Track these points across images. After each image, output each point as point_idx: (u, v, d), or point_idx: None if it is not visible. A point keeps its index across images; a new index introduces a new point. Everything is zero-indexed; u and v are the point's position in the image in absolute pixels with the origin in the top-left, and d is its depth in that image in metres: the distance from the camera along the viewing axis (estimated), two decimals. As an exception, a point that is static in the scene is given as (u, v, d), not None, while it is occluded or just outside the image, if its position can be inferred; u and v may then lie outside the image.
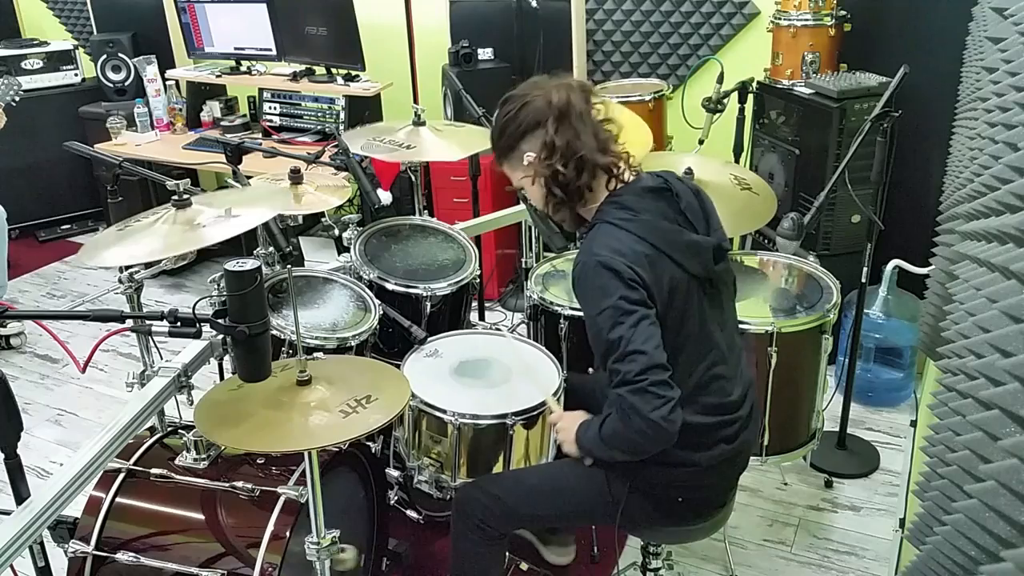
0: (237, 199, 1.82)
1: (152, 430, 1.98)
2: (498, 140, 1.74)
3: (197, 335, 1.50)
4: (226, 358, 1.88)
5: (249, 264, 1.37)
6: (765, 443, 2.28)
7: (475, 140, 2.67)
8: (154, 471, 1.84)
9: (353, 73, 3.98)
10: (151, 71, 4.23)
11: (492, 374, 2.14)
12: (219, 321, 1.41)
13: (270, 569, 1.68)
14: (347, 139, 2.52)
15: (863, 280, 2.63)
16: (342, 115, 3.95)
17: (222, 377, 2.22)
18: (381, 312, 2.28)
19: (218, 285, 1.94)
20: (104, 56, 4.53)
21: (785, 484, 2.75)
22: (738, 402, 1.73)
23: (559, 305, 2.31)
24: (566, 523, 2.34)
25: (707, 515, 1.80)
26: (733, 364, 1.75)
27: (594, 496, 1.76)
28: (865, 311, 2.73)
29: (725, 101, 3.19)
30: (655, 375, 1.52)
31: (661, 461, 1.66)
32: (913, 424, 2.97)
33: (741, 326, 2.13)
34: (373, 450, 2.10)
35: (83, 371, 1.87)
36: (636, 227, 1.61)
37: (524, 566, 2.22)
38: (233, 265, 1.37)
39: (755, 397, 1.83)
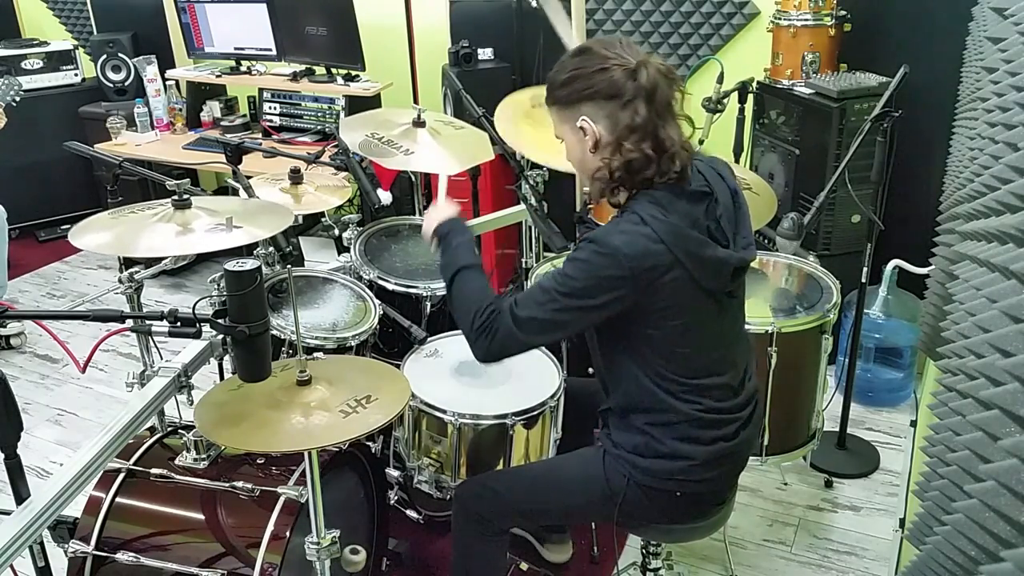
0: (240, 209, 1.81)
1: (152, 430, 1.98)
2: (559, 88, 1.62)
3: (197, 335, 1.50)
4: (226, 358, 1.87)
5: (249, 264, 1.37)
6: (765, 443, 2.28)
7: (473, 148, 2.64)
8: (154, 471, 1.84)
9: (353, 73, 3.98)
10: (151, 71, 4.23)
11: (492, 374, 2.14)
12: (219, 321, 1.41)
13: (270, 569, 1.68)
14: (346, 128, 2.51)
15: (863, 280, 2.63)
16: (342, 115, 3.95)
17: (222, 377, 2.22)
18: (381, 312, 2.28)
19: (218, 285, 1.94)
20: (104, 56, 4.53)
21: (785, 484, 2.75)
22: (740, 405, 1.73)
23: (559, 305, 2.30)
24: (566, 518, 2.33)
25: (706, 513, 1.79)
26: (739, 370, 1.74)
27: (593, 491, 1.75)
28: (865, 311, 2.73)
29: (725, 101, 3.19)
30: (523, 336, 1.58)
31: (659, 454, 1.66)
32: (913, 424, 2.97)
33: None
34: (373, 450, 2.10)
35: (83, 371, 1.87)
36: (661, 227, 1.53)
37: (524, 566, 2.22)
38: (233, 265, 1.37)
39: (760, 401, 1.82)
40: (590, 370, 2.20)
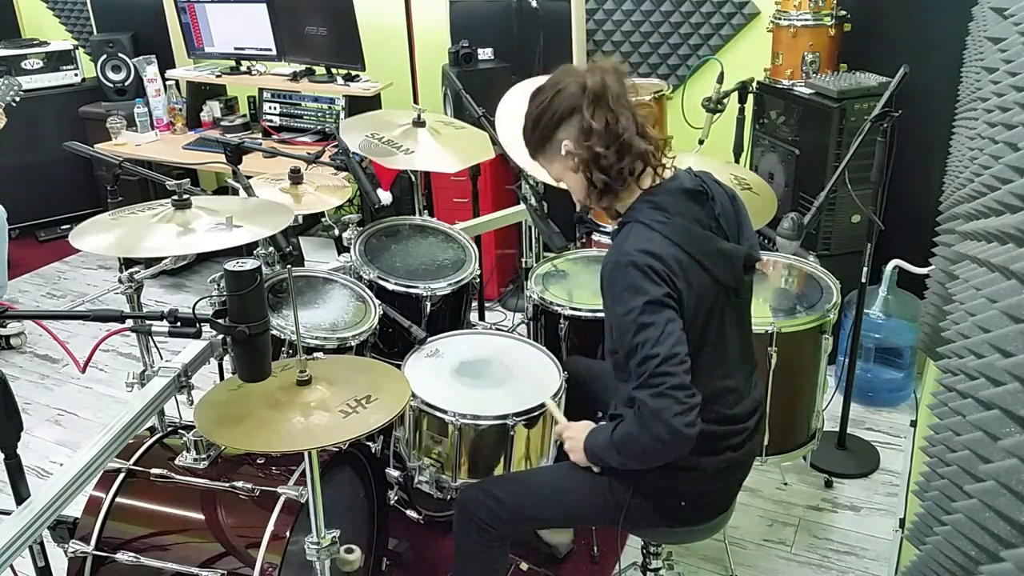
0: (240, 208, 1.81)
1: (152, 430, 1.98)
2: (532, 133, 1.67)
3: (197, 335, 1.50)
4: (226, 358, 1.88)
5: (249, 264, 1.37)
6: (765, 443, 2.28)
7: (473, 147, 2.65)
8: (154, 471, 1.84)
9: (353, 73, 3.98)
10: (151, 71, 4.23)
11: (492, 374, 2.14)
12: (219, 321, 1.41)
13: (270, 569, 1.68)
14: (346, 129, 2.52)
15: (863, 280, 2.63)
16: (342, 115, 3.95)
17: (222, 377, 2.22)
18: (381, 312, 2.28)
19: (218, 285, 1.94)
20: (104, 56, 4.53)
21: (785, 484, 2.75)
22: (748, 413, 1.73)
23: (559, 305, 2.31)
24: (568, 524, 2.34)
25: (709, 519, 1.80)
26: (746, 375, 1.74)
27: (597, 500, 1.75)
28: (865, 311, 2.73)
29: (725, 101, 3.19)
30: (676, 378, 1.48)
31: (667, 465, 1.65)
32: (913, 424, 2.97)
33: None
34: (373, 450, 2.10)
35: (83, 371, 1.87)
36: (669, 230, 1.55)
37: (524, 566, 2.22)
38: (233, 265, 1.37)
39: (764, 408, 1.82)
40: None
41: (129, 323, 1.56)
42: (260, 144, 3.45)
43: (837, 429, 2.84)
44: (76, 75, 4.79)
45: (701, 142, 3.29)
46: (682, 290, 1.54)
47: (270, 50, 4.18)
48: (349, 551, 1.70)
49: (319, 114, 4.06)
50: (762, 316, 2.21)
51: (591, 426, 1.76)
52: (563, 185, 1.73)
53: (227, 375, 2.07)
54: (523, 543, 2.40)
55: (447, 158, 2.59)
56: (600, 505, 1.75)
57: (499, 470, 2.03)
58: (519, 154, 2.45)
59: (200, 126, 4.39)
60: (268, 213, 1.83)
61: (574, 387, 2.09)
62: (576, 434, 1.75)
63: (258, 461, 1.89)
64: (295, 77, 4.09)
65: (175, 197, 1.77)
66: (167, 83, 4.32)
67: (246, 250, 2.32)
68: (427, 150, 2.57)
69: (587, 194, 1.67)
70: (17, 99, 3.50)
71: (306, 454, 1.56)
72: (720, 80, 3.26)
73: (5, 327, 3.61)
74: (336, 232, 2.62)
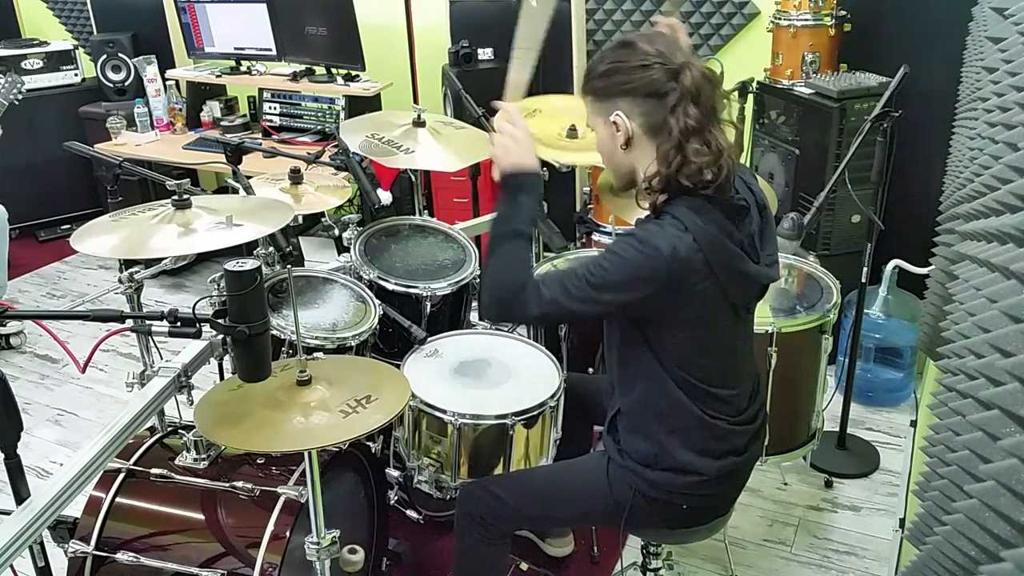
0: (239, 207, 1.81)
1: (152, 430, 1.98)
2: (596, 79, 1.57)
3: (197, 335, 1.50)
4: (226, 358, 1.88)
5: (249, 264, 1.37)
6: (765, 443, 2.28)
7: (474, 147, 2.65)
8: (154, 471, 1.84)
9: (353, 73, 3.98)
10: (151, 71, 4.23)
11: (492, 374, 2.14)
12: (219, 321, 1.41)
13: (270, 569, 1.68)
14: (346, 130, 2.51)
15: (863, 280, 2.63)
16: (342, 115, 3.95)
17: (222, 377, 2.21)
18: (381, 312, 2.28)
19: (218, 285, 1.94)
20: (104, 56, 4.53)
21: (785, 484, 2.75)
22: (750, 419, 1.73)
23: (559, 305, 2.30)
24: (568, 525, 2.34)
25: (708, 520, 1.80)
26: (750, 384, 1.75)
27: (597, 500, 1.76)
28: (865, 311, 2.73)
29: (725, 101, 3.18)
30: (549, 312, 1.54)
31: (669, 467, 1.66)
32: (913, 424, 2.97)
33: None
34: (373, 450, 2.10)
35: (83, 371, 1.87)
36: (701, 235, 1.49)
37: (524, 566, 2.22)
38: (233, 265, 1.37)
39: (766, 412, 1.82)
40: (590, 370, 2.20)
41: (129, 323, 1.56)
42: (260, 144, 3.45)
43: (837, 429, 2.84)
44: (76, 75, 4.79)
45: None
46: (684, 292, 1.50)
47: (270, 50, 4.18)
48: (352, 551, 1.70)
49: (319, 114, 4.06)
50: (762, 316, 2.21)
51: (531, 155, 1.64)
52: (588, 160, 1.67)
53: (227, 375, 2.06)
54: (523, 543, 2.40)
55: (447, 157, 2.59)
56: (600, 505, 1.75)
57: (499, 470, 2.03)
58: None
59: (200, 126, 4.39)
60: (268, 211, 1.83)
61: (570, 403, 2.08)
62: (517, 143, 1.63)
63: (258, 461, 1.89)
64: (295, 77, 4.09)
65: (175, 197, 1.77)
66: (167, 83, 4.32)
67: (246, 250, 2.32)
68: (427, 150, 2.57)
69: (613, 163, 1.62)
70: (20, 98, 3.50)
71: (306, 454, 1.56)
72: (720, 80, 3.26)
73: (5, 327, 3.61)
74: (336, 232, 2.62)
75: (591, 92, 1.60)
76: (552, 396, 2.01)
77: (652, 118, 1.53)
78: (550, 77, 3.46)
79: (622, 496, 1.71)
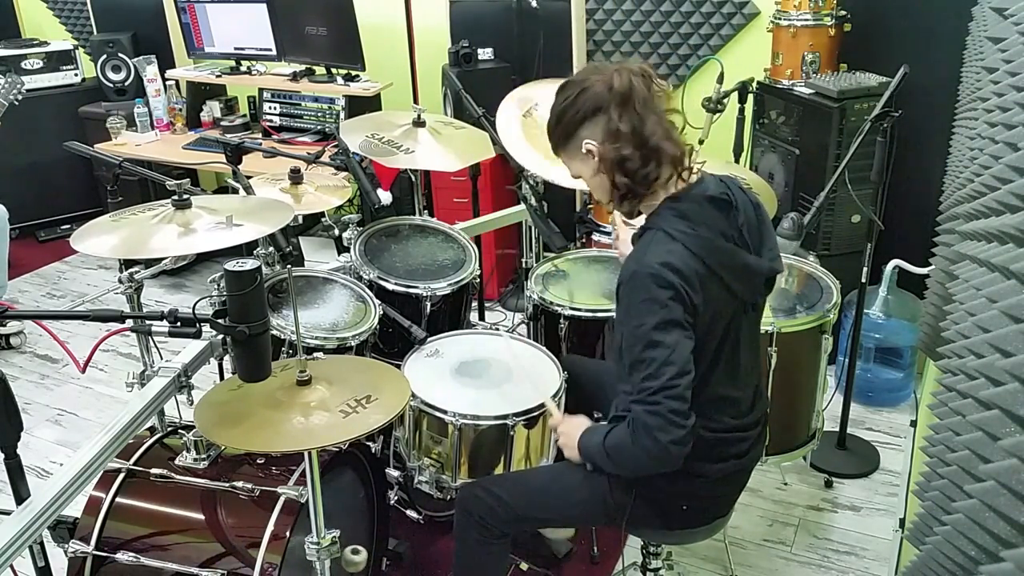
0: (239, 207, 1.81)
1: (152, 430, 1.98)
2: (555, 128, 1.64)
3: (197, 335, 1.50)
4: (226, 358, 1.88)
5: (249, 264, 1.37)
6: (765, 443, 2.28)
7: (474, 147, 2.65)
8: (154, 471, 1.84)
9: (353, 73, 3.98)
10: (151, 71, 4.23)
11: (492, 374, 2.14)
12: (219, 321, 1.41)
13: (270, 569, 1.68)
14: (346, 130, 2.51)
15: (863, 280, 2.63)
16: (342, 115, 3.95)
17: (222, 377, 2.22)
18: (381, 312, 2.28)
19: (218, 285, 1.94)
20: (104, 56, 4.53)
21: (785, 484, 2.75)
22: (754, 422, 1.74)
23: (559, 305, 2.31)
24: (569, 524, 2.34)
25: (709, 522, 1.80)
26: (753, 383, 1.75)
27: (597, 500, 1.76)
28: (865, 311, 2.73)
29: (725, 101, 3.18)
30: (675, 402, 1.48)
31: (670, 470, 1.66)
32: (913, 424, 2.97)
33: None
34: (373, 450, 2.10)
35: (83, 371, 1.87)
36: (693, 242, 1.52)
37: (524, 566, 2.22)
38: (233, 265, 1.37)
39: (766, 415, 1.82)
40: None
41: (129, 323, 1.56)
42: (260, 144, 3.45)
43: (837, 429, 2.84)
44: (76, 75, 4.79)
45: (701, 142, 3.28)
46: (699, 305, 1.51)
47: (270, 50, 4.18)
48: (355, 552, 1.70)
49: (319, 114, 4.06)
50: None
51: (586, 423, 1.75)
52: (582, 185, 1.69)
53: (227, 375, 2.07)
54: (523, 543, 2.40)
55: (447, 157, 2.59)
56: (600, 506, 1.75)
57: (499, 470, 2.03)
58: (519, 153, 2.47)
59: (200, 126, 4.39)
60: (268, 211, 1.83)
61: (571, 387, 2.09)
62: (571, 430, 1.75)
63: (258, 461, 1.89)
64: (295, 77, 4.09)
65: (175, 197, 1.77)
66: (167, 83, 4.32)
67: (246, 250, 2.32)
68: (427, 149, 2.57)
69: (609, 197, 1.64)
70: (20, 98, 3.50)
71: (306, 454, 1.56)
72: (720, 80, 3.26)
73: (5, 327, 3.61)
74: (336, 232, 2.62)
75: (558, 143, 1.66)
76: (552, 396, 2.01)
77: (607, 131, 1.57)
78: (550, 78, 3.46)
79: (622, 497, 1.72)
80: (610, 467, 1.65)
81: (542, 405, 1.99)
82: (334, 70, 4.03)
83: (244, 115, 4.41)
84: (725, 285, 1.55)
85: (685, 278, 1.50)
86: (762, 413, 1.77)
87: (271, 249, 2.26)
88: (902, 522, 2.46)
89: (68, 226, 4.85)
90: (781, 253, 2.39)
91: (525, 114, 2.56)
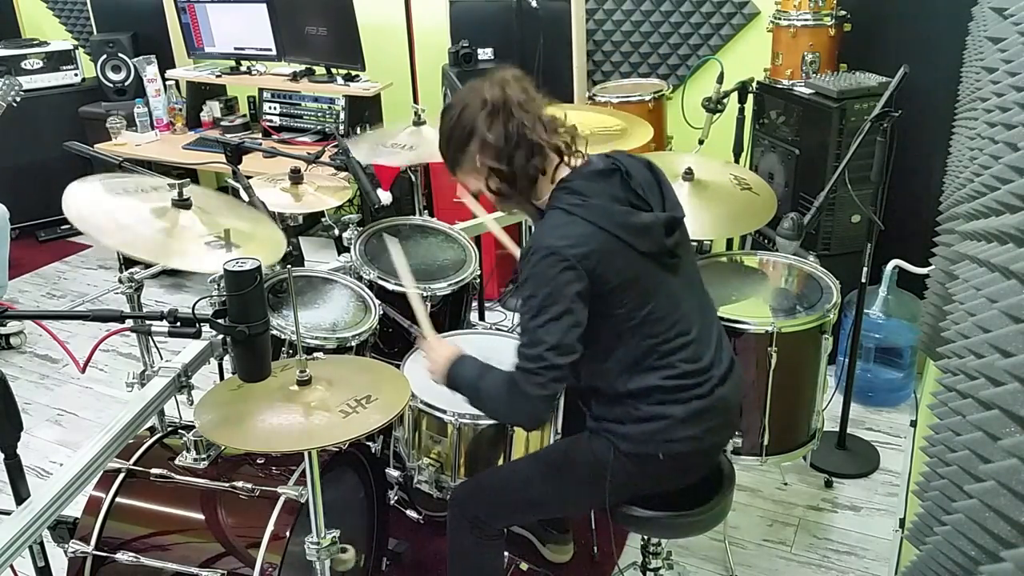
0: (236, 223, 1.80)
1: (152, 430, 1.98)
2: (447, 151, 1.74)
3: (197, 335, 1.50)
4: (226, 358, 1.88)
5: (249, 264, 1.37)
6: (765, 443, 2.28)
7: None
8: (154, 471, 1.84)
9: (353, 73, 3.98)
10: (151, 71, 4.23)
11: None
12: (219, 321, 1.41)
13: (270, 569, 1.68)
14: (352, 146, 2.52)
15: (863, 280, 2.63)
16: (342, 115, 3.95)
17: (222, 377, 2.22)
18: (381, 312, 2.28)
19: (218, 285, 1.94)
20: (104, 56, 4.53)
21: (785, 484, 2.75)
22: (708, 365, 1.73)
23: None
24: (560, 505, 2.32)
25: (702, 498, 1.80)
26: (704, 329, 1.75)
27: (581, 467, 1.77)
28: (865, 311, 2.73)
29: (725, 101, 3.19)
30: (557, 371, 1.58)
31: (638, 418, 1.69)
32: (913, 424, 2.97)
33: (740, 326, 2.14)
34: (373, 450, 2.10)
35: (83, 371, 1.87)
36: (586, 212, 1.61)
37: (524, 566, 2.22)
38: (233, 265, 1.37)
39: (732, 356, 1.82)
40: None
41: (129, 323, 1.56)
42: (260, 144, 3.45)
43: (837, 429, 2.84)
44: (76, 75, 4.78)
45: (701, 142, 3.29)
46: (600, 273, 1.58)
47: (270, 50, 4.18)
48: (343, 550, 1.70)
49: (319, 114, 4.06)
50: (762, 316, 2.21)
51: (457, 352, 1.78)
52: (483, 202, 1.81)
53: (227, 375, 2.07)
54: (522, 544, 2.40)
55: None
56: (586, 476, 1.76)
57: (499, 470, 2.03)
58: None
59: (200, 126, 4.39)
60: (266, 238, 1.83)
61: (568, 399, 2.08)
62: (441, 354, 1.78)
63: (258, 461, 1.89)
64: (295, 77, 4.09)
65: (175, 198, 1.77)
66: (167, 83, 4.32)
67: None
68: (431, 143, 2.56)
69: (498, 202, 1.75)
70: (18, 99, 3.50)
71: (306, 454, 1.56)
72: (720, 80, 3.26)
73: (5, 327, 3.60)
74: (336, 232, 2.63)
75: (453, 165, 1.76)
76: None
77: (490, 144, 1.65)
78: (550, 78, 3.46)
79: (603, 458, 1.72)
80: (474, 402, 1.73)
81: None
82: (334, 70, 4.04)
83: (244, 115, 4.40)
84: (627, 244, 1.62)
85: (581, 249, 1.57)
86: (721, 353, 1.77)
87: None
88: (902, 522, 2.46)
89: (68, 226, 4.84)
90: (781, 253, 2.42)
91: None
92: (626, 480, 1.74)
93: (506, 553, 2.03)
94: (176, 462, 1.87)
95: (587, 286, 1.58)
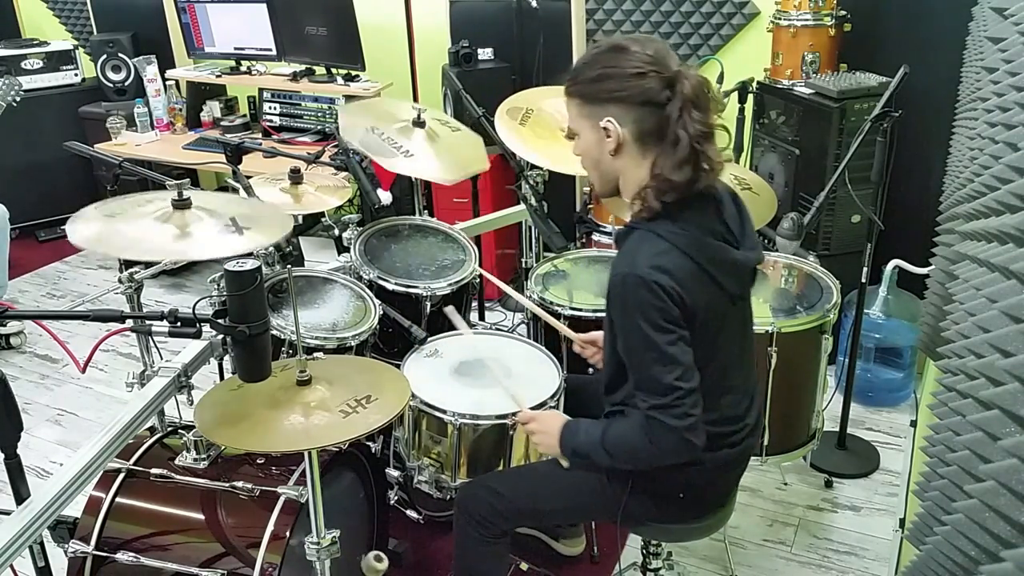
0: (240, 211, 1.80)
1: (152, 430, 1.98)
2: (586, 83, 1.56)
3: (197, 335, 1.50)
4: (226, 358, 1.88)
5: (249, 264, 1.37)
6: (765, 443, 2.28)
7: (468, 158, 2.60)
8: (154, 471, 1.84)
9: (353, 73, 3.98)
10: (151, 71, 4.23)
11: (492, 374, 2.14)
12: (219, 321, 1.41)
13: (270, 569, 1.68)
14: (346, 117, 2.49)
15: (863, 280, 2.63)
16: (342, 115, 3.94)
17: (222, 377, 2.22)
18: (381, 312, 2.28)
19: (218, 285, 1.94)
20: (104, 56, 4.53)
21: (785, 484, 2.75)
22: (747, 410, 1.73)
23: (559, 305, 2.30)
24: (567, 519, 2.34)
25: (708, 514, 1.80)
26: (746, 374, 1.74)
27: (595, 492, 1.75)
28: (865, 311, 2.73)
29: (725, 101, 3.18)
30: (692, 398, 1.51)
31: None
32: (913, 424, 2.97)
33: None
34: (373, 450, 2.10)
35: (83, 371, 1.87)
36: (682, 241, 1.51)
37: (524, 566, 2.22)
38: (233, 265, 1.37)
39: (760, 403, 1.82)
40: (590, 370, 2.20)
41: (129, 323, 1.56)
42: (260, 144, 3.45)
43: (837, 429, 2.84)
44: (76, 75, 4.78)
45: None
46: (691, 305, 1.51)
47: (270, 50, 4.18)
48: (378, 559, 1.69)
49: (319, 114, 4.06)
50: (762, 316, 2.21)
51: (563, 418, 1.74)
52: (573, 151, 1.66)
53: (227, 375, 2.07)
54: (526, 543, 2.40)
55: (448, 167, 2.54)
56: (599, 497, 1.75)
57: (499, 470, 2.03)
58: (519, 152, 2.46)
59: (200, 126, 4.39)
60: (271, 217, 1.82)
61: (570, 406, 2.07)
62: (548, 425, 1.73)
63: (258, 461, 1.89)
64: (295, 77, 4.09)
65: (175, 198, 1.77)
66: (167, 83, 4.32)
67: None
68: (427, 159, 2.53)
69: (599, 168, 1.61)
70: (18, 99, 3.50)
71: (306, 454, 1.56)
72: (720, 80, 3.26)
73: (5, 327, 3.60)
74: (336, 232, 2.62)
75: (579, 95, 1.59)
76: (552, 396, 2.01)
77: (644, 125, 1.52)
78: (550, 79, 3.45)
79: (619, 489, 1.71)
80: (607, 462, 1.64)
81: (542, 404, 1.98)
82: (334, 70, 4.03)
83: (244, 115, 4.40)
84: (715, 281, 1.55)
85: (675, 279, 1.49)
86: (754, 401, 1.76)
87: (271, 249, 2.26)
88: (902, 522, 2.46)
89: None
90: (781, 253, 2.42)
91: (521, 122, 2.55)
92: (639, 509, 1.74)
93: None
94: (176, 462, 1.87)
95: (679, 315, 1.51)
